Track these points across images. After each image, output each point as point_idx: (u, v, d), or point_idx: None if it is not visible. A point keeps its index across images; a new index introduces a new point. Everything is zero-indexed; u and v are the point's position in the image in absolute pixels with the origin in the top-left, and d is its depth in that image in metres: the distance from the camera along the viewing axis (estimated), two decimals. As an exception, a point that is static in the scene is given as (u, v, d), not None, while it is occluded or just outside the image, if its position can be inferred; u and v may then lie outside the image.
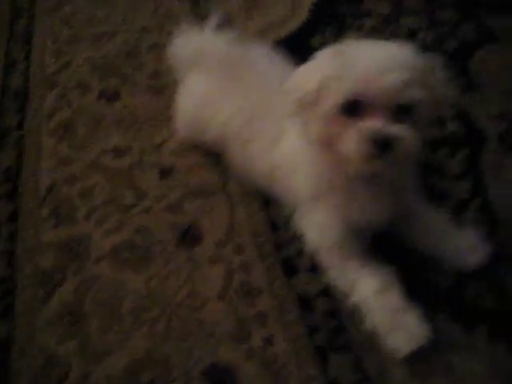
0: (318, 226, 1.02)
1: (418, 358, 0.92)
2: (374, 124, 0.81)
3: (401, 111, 0.82)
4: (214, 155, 1.27)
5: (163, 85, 1.49)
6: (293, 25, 1.75)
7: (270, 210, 1.18)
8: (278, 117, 1.04)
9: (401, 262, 1.06)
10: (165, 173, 1.26)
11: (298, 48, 1.48)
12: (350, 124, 0.83)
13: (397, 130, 0.81)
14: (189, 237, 1.13)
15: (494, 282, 1.05)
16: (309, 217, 1.04)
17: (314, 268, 1.06)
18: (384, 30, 1.78)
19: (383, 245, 1.08)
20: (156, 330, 0.99)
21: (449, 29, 1.79)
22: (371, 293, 0.96)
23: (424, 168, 1.28)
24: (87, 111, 1.43)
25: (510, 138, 1.38)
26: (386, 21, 1.82)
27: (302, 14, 1.80)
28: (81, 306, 1.04)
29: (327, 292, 1.03)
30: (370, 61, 0.81)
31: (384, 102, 0.81)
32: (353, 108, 0.82)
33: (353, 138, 0.82)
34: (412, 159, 0.89)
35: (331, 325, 0.99)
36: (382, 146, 0.81)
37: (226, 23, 1.27)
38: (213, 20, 1.26)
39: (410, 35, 1.75)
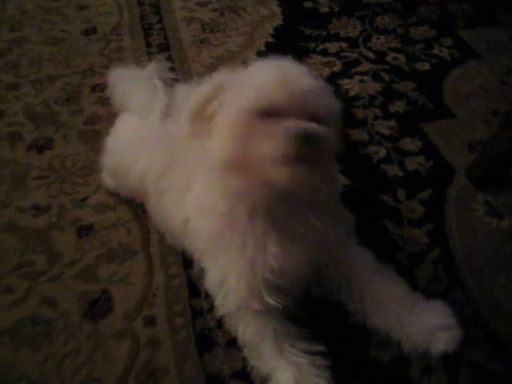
0: (220, 284, 0.89)
1: None
2: (297, 123, 0.73)
3: (314, 119, 0.75)
4: (140, 211, 1.17)
5: (98, 131, 1.42)
6: (249, 53, 1.69)
7: (191, 271, 1.06)
8: (190, 168, 0.93)
9: (336, 334, 0.95)
10: (84, 231, 1.16)
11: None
12: (270, 127, 0.73)
13: (320, 128, 0.74)
14: (97, 308, 1.02)
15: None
16: (210, 273, 0.90)
17: (234, 342, 0.93)
18: (350, 53, 1.67)
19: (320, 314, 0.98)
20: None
21: (424, 47, 1.68)
22: None
23: (377, 211, 1.16)
24: (14, 165, 1.34)
25: (478, 174, 1.22)
26: (354, 44, 1.71)
27: (259, 44, 1.71)
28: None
29: (243, 374, 0.90)
30: (277, 70, 0.77)
31: (298, 106, 0.75)
32: (265, 116, 0.75)
33: (278, 137, 0.72)
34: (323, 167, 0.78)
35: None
36: (308, 142, 0.72)
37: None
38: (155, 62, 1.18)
39: (380, 57, 1.64)
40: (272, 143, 0.72)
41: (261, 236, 0.83)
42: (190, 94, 0.84)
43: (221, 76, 0.82)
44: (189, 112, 0.81)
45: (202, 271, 0.94)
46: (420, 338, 0.88)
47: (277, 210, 0.82)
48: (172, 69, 1.13)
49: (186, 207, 0.93)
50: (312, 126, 0.73)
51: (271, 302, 0.86)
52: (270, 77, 0.76)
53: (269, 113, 0.74)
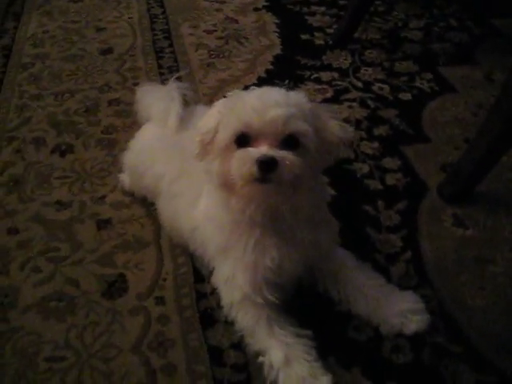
0: (227, 281, 1.04)
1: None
2: (259, 149, 0.88)
3: (288, 143, 0.89)
4: (152, 209, 1.33)
5: (114, 139, 1.58)
6: (250, 78, 1.87)
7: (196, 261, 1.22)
8: (200, 178, 1.07)
9: (321, 321, 1.10)
10: (102, 224, 1.32)
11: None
12: (241, 152, 0.89)
13: (280, 153, 0.87)
14: (114, 288, 1.17)
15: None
16: (218, 272, 1.07)
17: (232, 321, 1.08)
18: (341, 82, 1.85)
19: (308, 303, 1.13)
20: (67, 380, 1.01)
21: (406, 79, 1.87)
22: (279, 363, 0.98)
23: (359, 219, 1.33)
24: (39, 165, 1.50)
25: (448, 190, 1.40)
26: (345, 74, 1.90)
27: (260, 70, 1.88)
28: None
29: (239, 345, 1.06)
30: (255, 99, 0.90)
31: (269, 132, 0.88)
32: (244, 140, 0.89)
33: (239, 161, 0.88)
34: (298, 185, 0.91)
35: (239, 378, 1.01)
36: (267, 167, 0.85)
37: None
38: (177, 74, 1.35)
39: (366, 87, 1.83)
40: (236, 164, 0.87)
41: (260, 242, 0.99)
42: (200, 121, 0.98)
43: (222, 105, 0.96)
44: (197, 139, 0.95)
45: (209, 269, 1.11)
46: (395, 320, 1.05)
47: (272, 220, 0.97)
48: (190, 88, 1.29)
49: (195, 218, 1.09)
50: (272, 153, 0.86)
51: (270, 297, 1.01)
52: (249, 105, 0.88)
53: (245, 138, 0.89)
